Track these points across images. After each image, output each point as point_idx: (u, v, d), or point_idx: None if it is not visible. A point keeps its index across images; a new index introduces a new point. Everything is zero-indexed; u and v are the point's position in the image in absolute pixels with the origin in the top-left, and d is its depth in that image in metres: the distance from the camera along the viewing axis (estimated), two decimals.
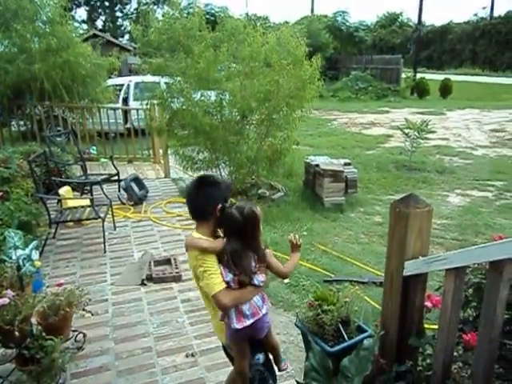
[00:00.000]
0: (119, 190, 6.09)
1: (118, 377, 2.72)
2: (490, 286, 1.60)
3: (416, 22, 25.41)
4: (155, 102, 6.63)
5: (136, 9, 39.64)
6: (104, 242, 4.55)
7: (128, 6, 42.56)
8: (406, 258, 1.97)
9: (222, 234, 1.94)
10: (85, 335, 3.02)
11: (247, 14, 24.33)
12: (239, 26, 6.12)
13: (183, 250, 4.78)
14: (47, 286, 3.67)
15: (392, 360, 2.06)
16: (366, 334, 2.25)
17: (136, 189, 6.06)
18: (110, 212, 4.95)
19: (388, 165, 8.34)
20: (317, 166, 6.36)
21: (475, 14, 40.67)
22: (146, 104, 6.94)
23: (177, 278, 3.92)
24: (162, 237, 4.94)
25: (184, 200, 6.17)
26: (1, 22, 7.71)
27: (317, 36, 22.92)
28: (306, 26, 22.09)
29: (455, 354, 1.86)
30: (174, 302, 3.58)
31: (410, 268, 1.96)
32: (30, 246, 3.00)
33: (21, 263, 2.83)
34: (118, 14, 42.91)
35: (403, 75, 21.93)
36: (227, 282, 1.82)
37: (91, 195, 4.96)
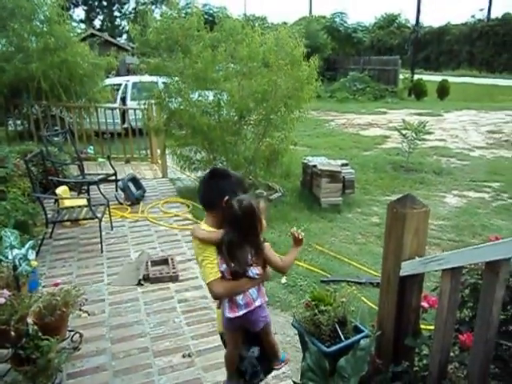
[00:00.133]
0: (116, 190, 6.08)
1: (114, 377, 2.71)
2: (486, 286, 1.61)
3: (414, 23, 25.49)
4: (153, 101, 6.62)
5: (134, 8, 39.63)
6: (101, 242, 4.54)
7: (126, 6, 42.54)
8: (403, 259, 1.97)
9: None
10: (81, 335, 3.01)
11: (245, 15, 24.35)
12: (237, 27, 6.12)
13: (180, 250, 4.81)
14: (43, 286, 3.65)
15: (388, 360, 2.07)
16: (362, 335, 2.25)
17: (133, 189, 6.05)
18: (107, 212, 4.94)
19: (385, 166, 8.36)
20: (314, 166, 6.37)
21: (473, 16, 40.85)
22: (144, 104, 6.94)
23: (174, 278, 3.91)
24: (159, 237, 4.94)
25: (181, 200, 6.19)
26: None
27: (315, 37, 22.93)
28: (304, 26, 22.09)
29: (451, 354, 1.87)
30: (171, 302, 3.57)
31: (407, 268, 1.97)
32: (27, 246, 2.99)
33: (17, 263, 2.82)
34: (116, 13, 42.87)
35: (401, 76, 21.99)
36: (222, 272, 1.87)
37: (88, 195, 4.94)
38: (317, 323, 2.27)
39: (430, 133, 9.92)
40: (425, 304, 2.05)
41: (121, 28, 42.05)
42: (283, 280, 3.99)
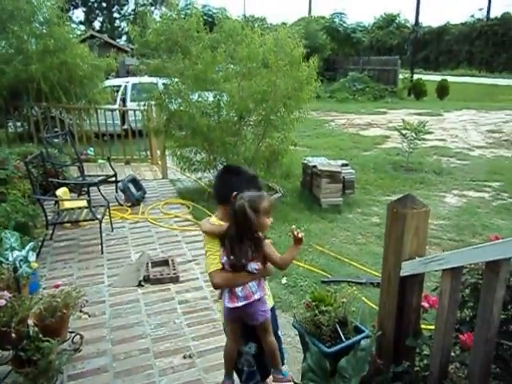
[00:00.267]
0: (116, 191, 6.08)
1: (115, 378, 2.71)
2: (486, 286, 1.61)
3: (413, 23, 25.49)
4: (153, 102, 6.63)
5: (133, 10, 39.67)
6: (101, 244, 4.54)
7: (125, 7, 42.59)
8: (403, 259, 1.97)
9: None
10: (82, 337, 3.01)
11: (245, 15, 24.36)
12: (237, 27, 6.12)
13: (181, 251, 4.81)
14: (44, 288, 3.66)
15: (389, 360, 2.06)
16: (363, 335, 2.25)
17: (133, 190, 6.05)
18: (107, 213, 4.94)
19: (385, 166, 8.36)
20: (314, 166, 6.37)
21: (472, 16, 40.88)
22: (144, 105, 6.94)
23: (174, 279, 3.91)
24: (160, 238, 4.94)
25: (181, 201, 6.19)
26: None
27: (314, 37, 22.95)
28: (304, 27, 22.12)
29: (452, 354, 1.87)
30: (172, 304, 3.57)
31: (407, 268, 1.97)
32: (27, 248, 2.99)
33: (17, 265, 2.82)
34: (116, 15, 42.91)
35: (400, 76, 22.00)
36: (223, 264, 1.97)
37: (88, 196, 4.94)
38: (317, 324, 2.27)
39: (429, 133, 9.92)
40: (425, 304, 2.05)
41: (120, 29, 42.09)
42: (284, 280, 3.99)
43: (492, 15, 36.93)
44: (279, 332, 2.37)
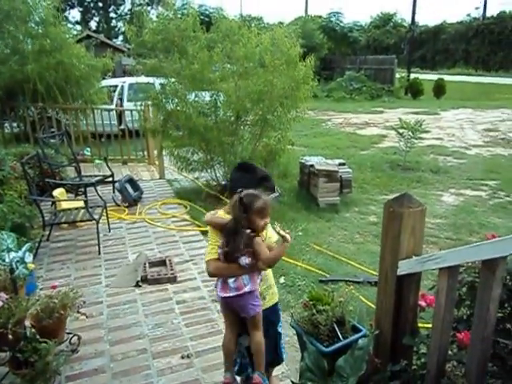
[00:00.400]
0: (114, 192, 6.06)
1: (113, 379, 2.71)
2: (482, 284, 1.61)
3: (410, 22, 25.55)
4: (149, 102, 6.61)
5: (130, 10, 39.55)
6: (98, 244, 4.53)
7: (122, 7, 42.47)
8: (400, 258, 1.98)
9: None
10: (79, 337, 3.00)
11: (241, 15, 24.34)
12: (234, 27, 6.11)
13: (178, 251, 4.80)
14: (41, 289, 3.65)
15: (387, 359, 2.07)
16: (360, 334, 2.25)
17: (130, 190, 6.04)
18: (104, 214, 4.93)
19: (382, 165, 8.38)
20: (311, 166, 6.37)
21: (468, 14, 41.00)
22: (141, 105, 6.93)
23: (172, 280, 3.91)
24: (157, 238, 4.93)
25: (178, 201, 6.19)
26: None
27: (311, 36, 22.96)
28: (301, 26, 22.09)
29: (449, 352, 1.87)
30: (169, 304, 3.57)
31: (404, 267, 1.97)
32: (24, 249, 2.98)
33: (14, 266, 2.80)
34: (112, 15, 42.78)
35: (397, 75, 22.04)
36: (219, 254, 2.05)
37: (85, 197, 4.93)
38: (315, 323, 2.27)
39: (426, 131, 9.95)
40: (422, 303, 2.06)
41: (117, 29, 41.96)
42: (282, 280, 3.99)
43: (488, 14, 37.09)
44: (279, 328, 2.38)
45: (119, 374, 2.74)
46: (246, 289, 2.01)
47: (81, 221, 4.72)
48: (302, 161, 6.83)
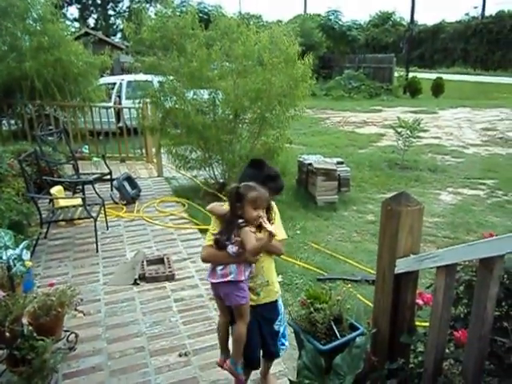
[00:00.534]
0: (112, 190, 6.06)
1: (110, 377, 2.70)
2: (480, 283, 1.61)
3: (408, 21, 25.55)
4: (148, 100, 6.60)
5: (128, 7, 39.40)
6: (96, 242, 4.52)
7: (120, 4, 42.29)
8: (398, 256, 1.98)
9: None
10: (77, 335, 3.00)
11: (240, 13, 24.28)
12: (232, 25, 6.09)
13: (176, 249, 4.80)
14: (38, 287, 3.64)
15: (384, 357, 2.07)
16: (358, 332, 2.26)
17: (128, 188, 6.03)
18: (102, 211, 4.92)
19: (381, 163, 8.38)
20: (310, 164, 6.37)
21: (467, 14, 41.06)
22: (139, 103, 6.91)
23: (170, 278, 3.91)
24: (155, 236, 4.92)
25: (176, 199, 6.18)
26: None
27: (310, 35, 22.93)
28: (299, 24, 22.05)
29: (446, 351, 1.87)
30: (167, 302, 3.57)
31: (402, 266, 1.97)
32: (21, 246, 2.98)
33: (11, 263, 2.81)
34: (111, 12, 42.60)
35: (396, 74, 22.05)
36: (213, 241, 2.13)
37: (83, 194, 4.92)
38: (312, 321, 2.28)
39: (424, 130, 9.96)
40: (420, 301, 2.06)
41: (115, 27, 41.81)
42: (279, 278, 3.99)
43: (487, 13, 37.11)
44: (276, 327, 2.36)
45: (117, 372, 2.74)
46: (230, 277, 2.06)
47: (78, 218, 4.71)
48: (301, 159, 6.83)
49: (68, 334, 2.97)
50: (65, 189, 5.62)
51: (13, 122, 8.72)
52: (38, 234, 4.45)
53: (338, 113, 15.47)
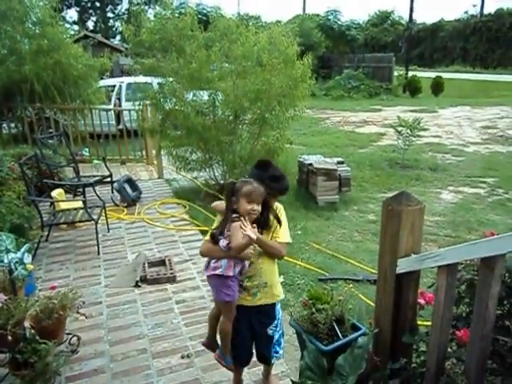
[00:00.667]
0: (112, 192, 6.06)
1: (113, 379, 2.70)
2: (481, 282, 1.61)
3: (407, 20, 25.54)
4: (147, 102, 6.60)
5: (127, 9, 39.44)
6: (97, 244, 4.52)
7: (119, 7, 42.36)
8: (399, 256, 1.98)
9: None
10: (79, 338, 3.00)
11: (239, 14, 24.29)
12: (231, 26, 6.10)
13: (177, 251, 4.80)
14: (40, 290, 3.65)
15: (386, 357, 2.07)
16: (360, 332, 2.25)
17: (129, 190, 6.03)
18: (103, 214, 4.93)
19: (381, 163, 8.38)
20: (310, 164, 6.37)
21: (466, 12, 41.09)
22: (139, 105, 6.92)
23: (171, 279, 3.91)
24: (156, 238, 4.92)
25: (177, 200, 6.18)
26: None
27: (309, 35, 22.95)
28: (298, 25, 22.07)
29: (449, 350, 1.87)
30: (169, 304, 3.57)
31: (403, 265, 1.97)
32: (22, 250, 2.98)
33: (13, 267, 2.80)
34: (110, 14, 42.67)
35: (395, 73, 22.05)
36: None
37: (84, 197, 4.92)
38: (314, 322, 2.28)
39: (425, 129, 9.95)
40: (421, 301, 2.06)
41: (114, 29, 41.88)
42: (281, 279, 3.97)
43: (486, 11, 37.11)
44: (270, 331, 2.33)
45: (119, 374, 2.74)
46: (219, 271, 2.10)
47: (79, 221, 4.71)
48: (301, 159, 6.83)
49: (70, 336, 2.97)
50: (65, 192, 5.63)
51: (13, 125, 8.74)
52: (39, 237, 4.45)
53: (338, 112, 15.47)
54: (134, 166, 8.03)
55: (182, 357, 2.90)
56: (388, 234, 2.03)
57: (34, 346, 2.46)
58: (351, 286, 3.03)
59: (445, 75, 22.18)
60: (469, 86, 22.72)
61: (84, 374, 2.74)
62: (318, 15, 28.56)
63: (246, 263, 2.16)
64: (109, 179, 6.04)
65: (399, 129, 8.16)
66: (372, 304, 3.13)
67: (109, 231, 5.04)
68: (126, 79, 11.39)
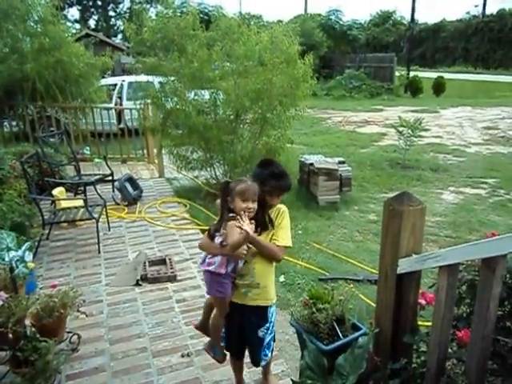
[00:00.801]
0: (113, 191, 6.06)
1: (113, 377, 2.71)
2: (482, 283, 1.61)
3: (409, 20, 25.53)
4: (149, 101, 6.60)
5: (129, 8, 39.46)
6: (98, 243, 4.53)
7: (121, 5, 42.40)
8: (400, 256, 1.98)
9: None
10: (79, 336, 3.00)
11: (241, 13, 24.30)
12: (233, 25, 6.10)
13: (178, 250, 4.81)
14: (41, 288, 3.65)
15: (387, 357, 2.07)
16: (360, 332, 2.26)
17: (130, 189, 6.03)
18: (104, 212, 4.93)
19: (382, 163, 8.37)
20: (311, 164, 6.37)
21: (468, 12, 41.03)
22: (140, 104, 6.92)
23: (172, 278, 3.91)
24: (157, 237, 4.93)
25: (178, 199, 6.18)
26: None
27: (310, 35, 22.95)
28: (300, 24, 22.04)
29: (449, 350, 1.87)
30: (169, 302, 3.57)
31: (404, 266, 1.97)
32: (23, 248, 2.98)
33: (14, 265, 2.81)
34: (111, 13, 42.74)
35: (397, 73, 22.04)
36: None
37: (85, 196, 4.93)
38: (315, 321, 2.28)
39: (426, 130, 9.94)
40: (422, 301, 2.06)
41: (116, 28, 41.92)
42: (281, 278, 3.99)
43: (487, 12, 37.07)
44: (260, 333, 2.27)
45: (119, 373, 2.74)
46: (211, 268, 2.13)
47: (80, 220, 4.72)
48: (302, 159, 6.83)
49: (71, 335, 2.97)
50: (66, 190, 5.63)
51: (14, 123, 8.75)
52: (40, 236, 4.45)
53: (339, 112, 15.46)
54: (134, 165, 8.04)
55: (182, 356, 2.90)
56: (389, 234, 2.03)
57: (34, 344, 2.46)
58: (352, 285, 3.03)
59: (446, 75, 22.18)
60: (470, 87, 22.70)
61: (84, 373, 2.75)
62: (319, 15, 28.55)
63: (240, 262, 2.16)
64: (110, 178, 6.04)
65: (400, 129, 8.15)
66: (372, 304, 3.14)
67: (109, 230, 5.04)
68: (128, 78, 11.39)
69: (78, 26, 34.61)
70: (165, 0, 6.39)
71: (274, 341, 2.44)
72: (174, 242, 4.80)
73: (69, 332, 2.98)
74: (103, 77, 11.18)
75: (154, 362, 2.85)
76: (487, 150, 9.67)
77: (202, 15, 7.16)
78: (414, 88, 20.21)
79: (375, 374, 2.04)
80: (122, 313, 3.42)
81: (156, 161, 7.72)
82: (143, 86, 6.79)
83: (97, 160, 7.71)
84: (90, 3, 41.23)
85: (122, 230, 5.12)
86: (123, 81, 11.38)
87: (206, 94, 6.15)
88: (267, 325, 2.28)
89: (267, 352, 2.34)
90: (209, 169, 6.51)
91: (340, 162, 6.62)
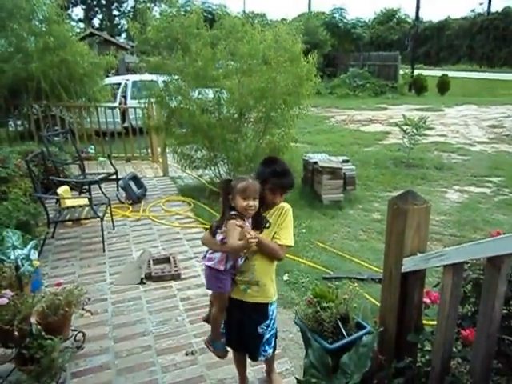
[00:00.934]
0: (117, 189, 6.09)
1: (117, 375, 2.72)
2: (487, 282, 1.61)
3: (413, 18, 25.42)
4: (153, 100, 6.62)
5: (133, 7, 39.54)
6: (103, 241, 4.55)
7: (125, 4, 42.49)
8: (405, 255, 1.97)
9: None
10: (84, 334, 3.02)
11: (245, 12, 24.30)
12: (237, 24, 6.09)
13: (182, 249, 4.82)
14: (46, 286, 3.67)
15: (391, 356, 2.07)
16: (364, 331, 2.25)
17: (134, 188, 6.05)
18: (108, 211, 4.95)
19: (386, 161, 8.35)
20: (315, 163, 6.36)
21: (472, 10, 40.85)
22: (144, 103, 6.93)
23: (176, 277, 3.92)
24: (161, 235, 4.94)
25: (182, 198, 6.20)
26: None
27: (314, 33, 22.90)
28: (304, 23, 22.02)
29: (454, 349, 1.87)
30: (174, 301, 3.58)
31: (409, 264, 1.97)
32: (29, 246, 3.00)
33: (19, 263, 2.83)
34: (115, 12, 42.85)
35: (401, 72, 21.97)
36: None
37: (89, 194, 4.94)
38: (319, 320, 2.28)
39: (430, 128, 9.89)
40: (427, 300, 2.05)
41: (120, 27, 42.04)
42: (285, 277, 4.00)
43: (493, 9, 36.83)
44: (260, 330, 2.27)
45: (124, 371, 2.76)
46: (211, 263, 2.15)
47: (85, 218, 4.74)
48: (306, 158, 6.82)
49: (76, 333, 2.99)
50: (71, 189, 5.65)
51: (19, 122, 8.79)
52: (45, 234, 4.48)
53: (343, 111, 15.43)
54: (139, 164, 8.06)
55: (187, 354, 2.91)
56: (394, 233, 2.03)
57: (40, 341, 2.48)
58: (356, 284, 3.03)
59: (451, 74, 22.07)
60: (475, 85, 22.59)
61: (89, 370, 2.76)
62: (323, 13, 28.48)
63: (240, 259, 2.17)
64: (114, 177, 6.06)
65: (405, 127, 8.13)
66: (377, 303, 3.13)
67: (114, 228, 5.06)
68: (132, 77, 11.42)
69: (82, 25, 34.73)
70: None
71: (276, 338, 2.43)
72: (178, 240, 4.81)
73: (74, 330, 3.00)
74: (107, 76, 11.19)
75: (158, 360, 2.86)
76: (492, 148, 9.62)
77: (205, 14, 7.14)
78: (418, 86, 20.14)
79: (380, 372, 2.04)
80: (126, 311, 3.43)
81: (160, 159, 7.74)
82: (147, 85, 6.80)
83: (101, 159, 7.73)
84: (94, 2, 41.36)
85: (127, 229, 5.13)
86: (127, 80, 11.41)
87: (210, 93, 6.15)
88: (267, 322, 2.27)
89: (266, 348, 2.32)
90: (213, 167, 6.52)
91: (344, 161, 6.61)
